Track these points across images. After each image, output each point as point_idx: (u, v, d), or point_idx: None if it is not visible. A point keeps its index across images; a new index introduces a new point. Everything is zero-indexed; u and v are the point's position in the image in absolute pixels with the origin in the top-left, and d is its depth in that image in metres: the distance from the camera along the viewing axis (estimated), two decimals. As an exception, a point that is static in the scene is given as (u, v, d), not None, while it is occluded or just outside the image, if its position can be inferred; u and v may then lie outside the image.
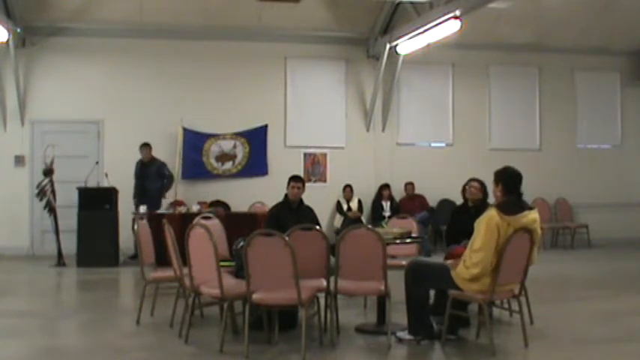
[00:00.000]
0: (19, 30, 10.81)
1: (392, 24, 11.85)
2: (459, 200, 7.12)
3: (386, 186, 12.08)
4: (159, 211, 9.80)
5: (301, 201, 6.81)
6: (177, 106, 11.61)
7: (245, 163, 12.04)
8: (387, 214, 7.65)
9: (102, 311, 6.93)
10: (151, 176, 10.81)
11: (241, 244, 5.51)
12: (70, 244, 10.18)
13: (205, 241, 5.14)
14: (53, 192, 10.20)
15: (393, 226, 6.80)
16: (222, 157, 11.96)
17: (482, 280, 5.04)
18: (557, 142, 13.25)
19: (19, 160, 11.38)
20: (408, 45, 11.18)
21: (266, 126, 12.08)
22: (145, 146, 10.84)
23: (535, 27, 12.30)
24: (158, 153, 11.06)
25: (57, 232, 10.18)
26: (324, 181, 12.43)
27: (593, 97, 13.50)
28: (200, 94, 11.84)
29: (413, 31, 10.53)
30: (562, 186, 13.02)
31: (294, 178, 6.79)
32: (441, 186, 12.10)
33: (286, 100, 12.31)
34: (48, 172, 10.24)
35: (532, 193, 10.21)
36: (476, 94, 12.99)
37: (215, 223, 6.83)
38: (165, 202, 10.81)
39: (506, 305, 5.83)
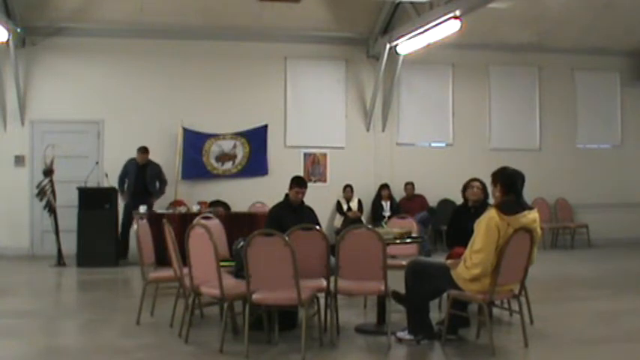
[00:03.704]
0: (19, 30, 10.80)
1: (392, 24, 11.84)
2: (459, 200, 7.11)
3: (386, 186, 12.08)
4: (159, 211, 9.80)
5: (302, 201, 6.78)
6: (177, 106, 11.61)
7: (245, 163, 12.04)
8: (386, 214, 7.66)
9: (102, 311, 6.93)
10: (148, 177, 10.80)
11: (241, 244, 5.52)
12: (70, 244, 10.18)
13: (205, 241, 5.14)
14: (53, 192, 10.19)
15: (393, 226, 6.80)
16: (222, 157, 11.95)
17: (482, 280, 5.04)
18: (557, 142, 13.24)
19: (19, 160, 11.36)
20: (408, 45, 11.18)
21: (266, 126, 12.08)
22: (144, 150, 10.75)
23: (535, 27, 12.29)
24: (158, 153, 11.04)
25: (57, 232, 10.18)
26: (324, 181, 12.42)
27: (593, 97, 13.49)
28: (200, 94, 11.84)
29: (413, 31, 10.53)
30: (562, 186, 13.01)
31: (298, 184, 6.57)
32: (441, 186, 12.09)
33: (286, 100, 12.30)
34: (48, 172, 10.23)
35: (532, 193, 10.24)
36: (476, 94, 12.99)
37: (215, 223, 6.85)
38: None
39: (506, 305, 5.82)
